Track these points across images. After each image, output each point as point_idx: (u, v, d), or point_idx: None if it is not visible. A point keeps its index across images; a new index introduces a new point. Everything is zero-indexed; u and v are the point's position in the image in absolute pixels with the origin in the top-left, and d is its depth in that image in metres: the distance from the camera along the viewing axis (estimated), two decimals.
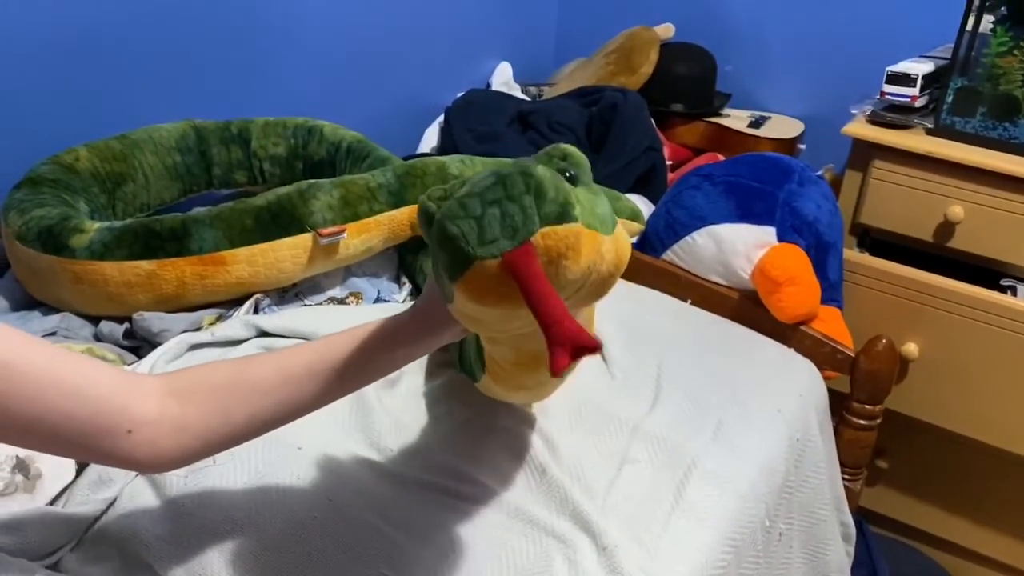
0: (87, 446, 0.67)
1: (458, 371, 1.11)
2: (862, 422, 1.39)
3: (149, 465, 0.71)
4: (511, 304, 0.64)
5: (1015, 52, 1.44)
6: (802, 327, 1.39)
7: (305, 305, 1.31)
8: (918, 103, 1.57)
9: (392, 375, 1.02)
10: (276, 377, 0.75)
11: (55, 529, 0.90)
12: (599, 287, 0.72)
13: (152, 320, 1.19)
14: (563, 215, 0.64)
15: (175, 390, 0.72)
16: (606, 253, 0.68)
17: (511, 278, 0.62)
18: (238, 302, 1.27)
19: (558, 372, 0.60)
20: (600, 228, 0.68)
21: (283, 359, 0.77)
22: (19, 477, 0.94)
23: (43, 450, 0.70)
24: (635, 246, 1.58)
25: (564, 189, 0.65)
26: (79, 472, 0.98)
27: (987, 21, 1.45)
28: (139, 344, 1.22)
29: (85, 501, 0.94)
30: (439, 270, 0.69)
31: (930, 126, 1.57)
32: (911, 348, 1.57)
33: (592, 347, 0.60)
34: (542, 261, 0.63)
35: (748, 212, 1.42)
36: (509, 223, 0.63)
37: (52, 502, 0.95)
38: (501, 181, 0.65)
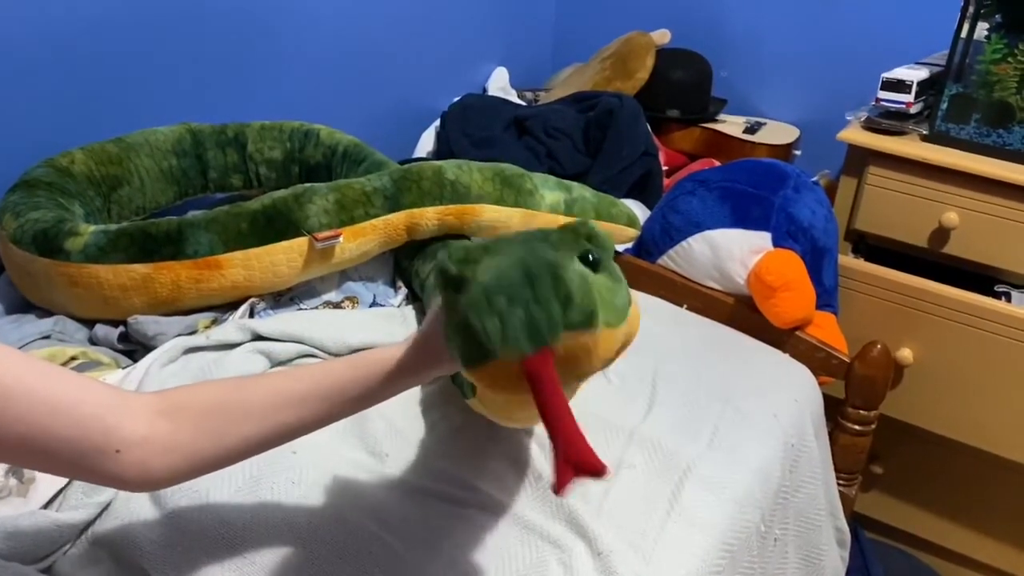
0: (75, 465, 0.67)
1: (451, 380, 1.11)
2: (857, 427, 1.39)
3: (138, 485, 0.70)
4: (520, 396, 0.64)
5: (1009, 59, 1.45)
6: (797, 332, 1.40)
7: (300, 309, 1.30)
8: (913, 109, 1.57)
9: None
10: (270, 401, 0.74)
11: (49, 533, 0.90)
12: (604, 366, 0.72)
13: (147, 324, 1.19)
14: (587, 323, 0.64)
15: (166, 409, 0.71)
16: (617, 344, 0.69)
17: (526, 378, 0.63)
18: (233, 306, 1.26)
19: (560, 491, 0.60)
20: (616, 323, 0.68)
21: (278, 383, 0.76)
22: (13, 481, 0.94)
23: (31, 467, 0.70)
24: (631, 251, 1.59)
25: (592, 297, 0.65)
26: None
27: (982, 28, 1.46)
28: (134, 348, 1.22)
29: (79, 505, 0.94)
30: (452, 346, 0.68)
31: (925, 132, 1.57)
32: (906, 354, 1.57)
33: (598, 472, 0.60)
34: (558, 364, 0.63)
35: (744, 217, 1.42)
36: (533, 326, 0.63)
37: (46, 506, 0.95)
38: (529, 280, 0.64)
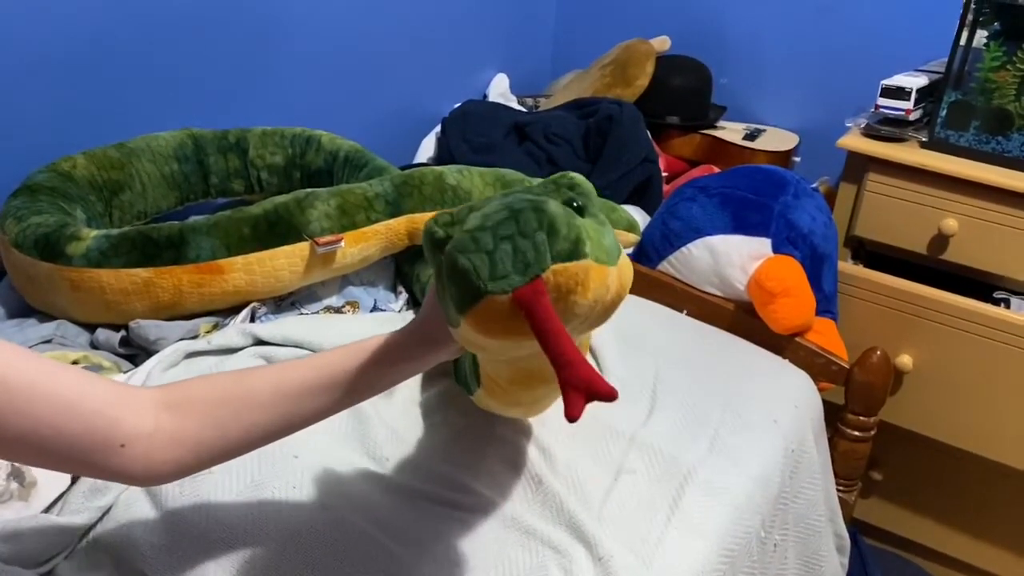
0: (80, 460, 0.67)
1: (454, 381, 1.11)
2: (856, 434, 1.39)
3: (143, 479, 0.70)
4: (518, 336, 0.64)
5: (1008, 67, 1.46)
6: (797, 338, 1.40)
7: (302, 314, 1.31)
8: (912, 116, 1.58)
9: None
10: (272, 391, 0.74)
11: (50, 537, 0.90)
12: (602, 315, 0.72)
13: (149, 328, 1.19)
14: (574, 252, 0.65)
15: (170, 403, 0.71)
16: (611, 284, 0.69)
17: (520, 313, 0.63)
18: (235, 310, 1.27)
19: (574, 417, 0.60)
20: (607, 260, 0.68)
21: (280, 373, 0.77)
22: (14, 485, 0.94)
23: (35, 464, 0.70)
24: (631, 257, 1.59)
25: (576, 226, 0.66)
26: (74, 480, 0.98)
27: (980, 36, 1.47)
28: (135, 352, 1.22)
29: (80, 509, 0.94)
30: (446, 299, 0.69)
31: (924, 139, 1.58)
32: (905, 360, 1.57)
33: (607, 394, 0.60)
34: (552, 297, 0.63)
35: (743, 224, 1.42)
36: (521, 259, 0.63)
37: (47, 510, 0.95)
38: (514, 216, 0.65)
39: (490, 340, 0.67)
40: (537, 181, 1.39)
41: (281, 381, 0.75)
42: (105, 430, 0.66)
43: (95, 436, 0.66)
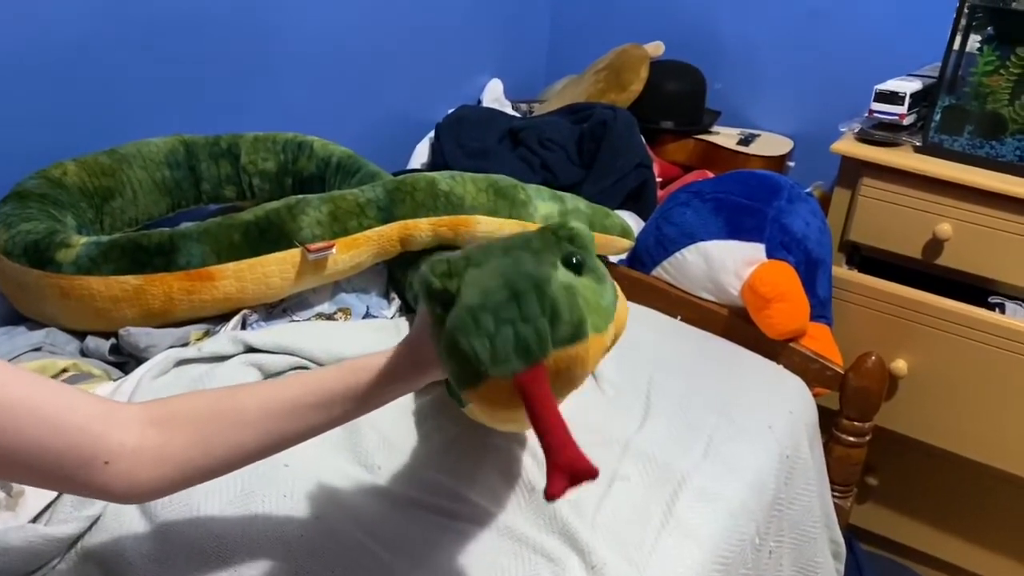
0: (63, 477, 0.66)
1: (446, 391, 1.10)
2: (852, 439, 1.39)
3: (127, 496, 0.69)
4: (516, 411, 0.64)
5: (1001, 71, 1.46)
6: (791, 344, 1.40)
7: (293, 321, 1.30)
8: (906, 121, 1.58)
9: None
10: (260, 410, 0.73)
11: (38, 547, 0.89)
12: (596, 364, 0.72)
13: (139, 335, 1.18)
14: (576, 335, 0.64)
15: (155, 419, 0.70)
16: (608, 340, 0.69)
17: (519, 394, 0.62)
18: (225, 318, 1.26)
19: (553, 497, 0.60)
20: (604, 326, 0.68)
21: (268, 391, 0.76)
22: (1, 494, 0.93)
23: (18, 480, 0.68)
24: (625, 263, 1.59)
25: (578, 308, 0.65)
26: None
27: (974, 41, 1.47)
28: (125, 360, 1.21)
29: (68, 518, 0.93)
30: (447, 370, 0.68)
31: (918, 144, 1.58)
32: (900, 365, 1.57)
33: (590, 475, 0.60)
34: (551, 378, 0.63)
35: (737, 229, 1.42)
36: (523, 346, 0.63)
37: (35, 519, 0.94)
38: (515, 299, 0.64)
39: (487, 409, 0.68)
40: (532, 187, 1.39)
41: (270, 399, 0.74)
42: (90, 446, 0.65)
43: (79, 452, 0.65)
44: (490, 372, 0.63)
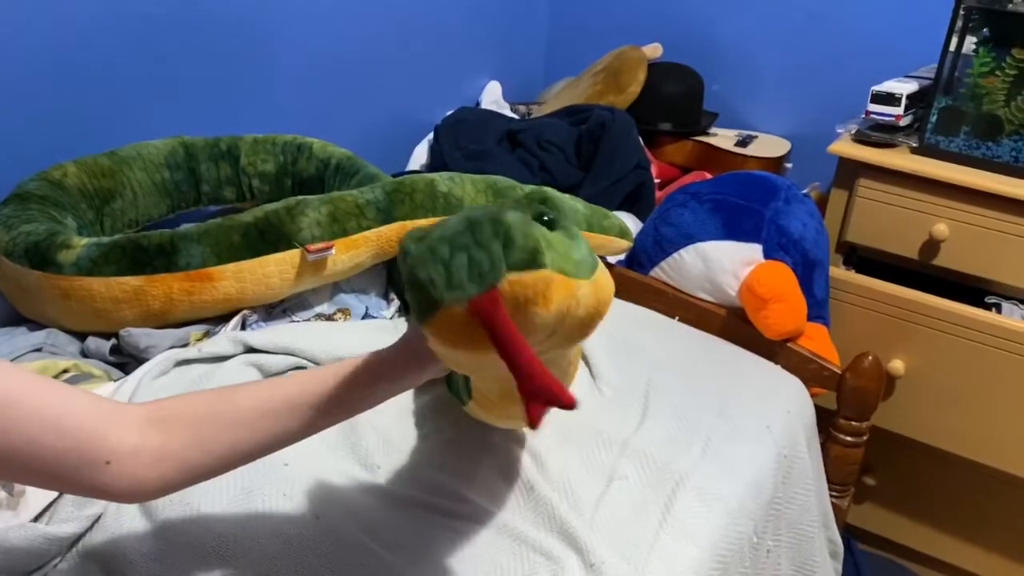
0: (64, 477, 0.66)
1: (447, 390, 1.11)
2: (849, 439, 1.39)
3: (128, 496, 0.70)
4: (481, 348, 0.63)
5: (997, 72, 1.46)
6: (789, 344, 1.40)
7: (293, 321, 1.30)
8: (903, 122, 1.58)
9: None
10: (257, 409, 0.74)
11: (39, 547, 0.89)
12: (577, 330, 0.71)
13: (139, 336, 1.18)
14: (532, 262, 0.64)
15: (155, 419, 0.70)
16: (582, 298, 0.68)
17: (479, 324, 0.62)
18: (225, 318, 1.26)
19: (533, 425, 0.60)
20: (575, 273, 0.67)
21: (265, 391, 0.76)
22: (2, 494, 0.93)
23: (19, 481, 0.69)
24: (623, 263, 1.59)
25: (533, 235, 0.65)
26: None
27: (970, 42, 1.47)
28: (126, 360, 1.21)
29: (69, 518, 0.93)
30: (411, 311, 0.68)
31: (915, 145, 1.58)
32: (897, 365, 1.58)
33: (566, 403, 0.60)
34: (509, 308, 0.63)
35: (735, 230, 1.43)
36: (476, 269, 0.63)
37: (36, 519, 0.94)
38: (470, 227, 0.64)
39: (455, 352, 0.66)
40: (529, 187, 1.40)
41: (268, 398, 0.75)
42: (91, 447, 0.66)
43: (81, 453, 0.65)
44: (445, 297, 0.63)
